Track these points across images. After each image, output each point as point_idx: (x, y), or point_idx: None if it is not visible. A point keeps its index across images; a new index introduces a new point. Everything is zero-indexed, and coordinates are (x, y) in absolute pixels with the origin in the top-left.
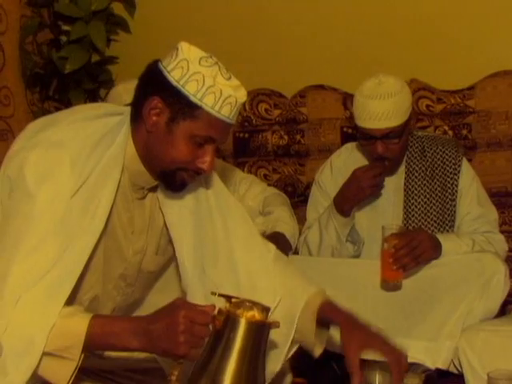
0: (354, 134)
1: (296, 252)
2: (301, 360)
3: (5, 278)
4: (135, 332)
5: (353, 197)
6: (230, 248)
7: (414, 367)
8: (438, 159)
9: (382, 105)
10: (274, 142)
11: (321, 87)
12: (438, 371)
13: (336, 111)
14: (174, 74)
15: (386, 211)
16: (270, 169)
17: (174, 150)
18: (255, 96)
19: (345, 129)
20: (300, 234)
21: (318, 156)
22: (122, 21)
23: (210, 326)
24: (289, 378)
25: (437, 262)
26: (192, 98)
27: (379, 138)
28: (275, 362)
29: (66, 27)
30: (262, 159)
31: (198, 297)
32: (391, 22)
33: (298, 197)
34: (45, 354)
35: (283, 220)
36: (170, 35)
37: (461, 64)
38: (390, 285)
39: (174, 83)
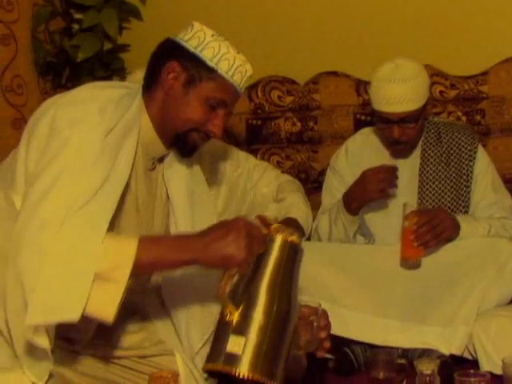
0: (366, 120)
1: (309, 238)
2: None
3: (44, 206)
4: (188, 243)
5: (360, 197)
6: None
7: (428, 353)
8: (454, 145)
9: (399, 88)
10: (286, 128)
11: (334, 74)
12: (453, 357)
13: (349, 98)
14: (191, 42)
15: (400, 196)
16: (282, 156)
17: (190, 110)
18: (268, 83)
19: (358, 115)
20: (314, 219)
21: (331, 143)
22: (133, 8)
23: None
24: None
25: (451, 246)
26: (209, 63)
27: (396, 121)
28: None
29: (78, 15)
30: (275, 146)
31: None
32: (405, 8)
33: (311, 183)
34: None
35: (296, 206)
36: (181, 22)
37: (474, 50)
38: (409, 262)
39: (192, 50)
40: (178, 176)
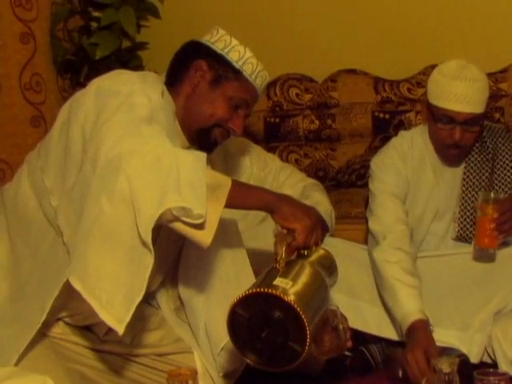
0: (385, 118)
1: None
2: None
3: (137, 134)
4: (273, 192)
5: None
6: None
7: (448, 351)
8: (498, 151)
9: (469, 88)
10: (305, 126)
11: (352, 71)
12: None
13: (367, 95)
14: (217, 44)
15: (440, 204)
16: (301, 153)
17: (214, 107)
18: (286, 81)
19: (376, 113)
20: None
21: (349, 140)
22: (152, 6)
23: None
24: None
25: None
26: (235, 64)
27: (460, 122)
28: None
29: (96, 13)
30: (293, 144)
31: None
32: (423, 6)
33: (329, 181)
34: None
35: (322, 203)
36: (199, 20)
37: (493, 47)
38: (486, 253)
39: (219, 51)
40: None
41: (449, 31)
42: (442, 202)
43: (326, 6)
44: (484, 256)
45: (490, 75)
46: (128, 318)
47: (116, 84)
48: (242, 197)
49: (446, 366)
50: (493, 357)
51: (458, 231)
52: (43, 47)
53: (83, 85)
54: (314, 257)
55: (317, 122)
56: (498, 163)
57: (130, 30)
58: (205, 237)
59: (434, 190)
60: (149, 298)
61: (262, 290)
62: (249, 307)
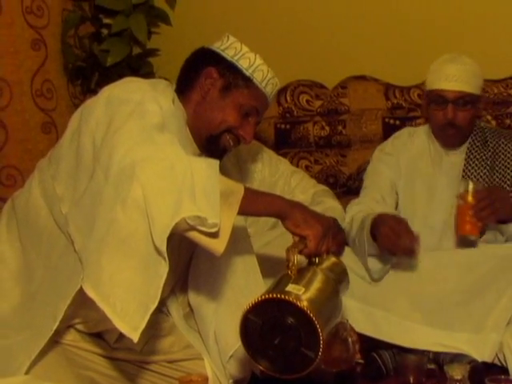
0: (395, 124)
1: None
2: None
3: (151, 142)
4: (285, 199)
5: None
6: None
7: (459, 358)
8: (500, 151)
9: (459, 68)
10: (315, 133)
11: (362, 78)
12: (484, 363)
13: (377, 102)
14: (228, 52)
15: (442, 198)
16: (311, 160)
17: (225, 114)
18: (296, 87)
19: (386, 119)
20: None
21: (360, 147)
22: (162, 13)
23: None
24: None
25: (480, 252)
26: (245, 72)
27: (451, 100)
28: None
29: (107, 20)
30: (304, 150)
31: None
32: (433, 12)
33: (339, 188)
34: None
35: (336, 208)
36: (210, 27)
37: (503, 53)
38: (466, 240)
39: (229, 58)
40: None
41: (459, 37)
42: (440, 192)
43: (336, 13)
44: (466, 243)
45: (500, 81)
46: (143, 326)
47: (127, 92)
48: (255, 203)
49: (456, 372)
50: (504, 363)
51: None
52: (54, 54)
53: (94, 91)
54: (325, 264)
55: (327, 128)
56: (499, 162)
57: (141, 37)
58: (218, 245)
59: (431, 179)
60: (159, 305)
61: (274, 295)
62: (261, 313)
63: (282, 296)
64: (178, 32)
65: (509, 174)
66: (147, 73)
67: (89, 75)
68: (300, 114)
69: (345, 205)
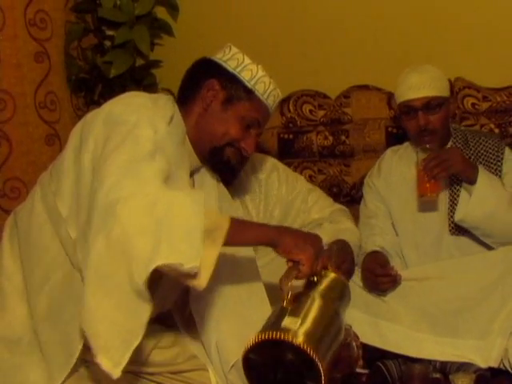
0: (398, 133)
1: None
2: None
3: (136, 174)
4: (273, 226)
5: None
6: None
7: (465, 367)
8: (482, 148)
9: (421, 76)
10: (318, 142)
11: (365, 87)
12: (491, 370)
13: (381, 111)
14: (230, 63)
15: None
16: (315, 170)
17: (227, 126)
18: (299, 97)
19: (389, 128)
20: None
21: (364, 156)
22: (165, 25)
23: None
24: None
25: (482, 257)
26: (247, 84)
27: (420, 108)
28: None
29: (110, 32)
30: (307, 160)
31: None
32: (436, 21)
33: (343, 197)
34: None
35: (351, 231)
36: (212, 38)
37: (506, 61)
38: (425, 200)
39: (231, 70)
40: (207, 191)
41: (461, 46)
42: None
43: (338, 23)
44: (427, 204)
45: (502, 89)
46: (124, 362)
47: (125, 112)
48: (242, 235)
49: (462, 381)
50: (510, 369)
51: (450, 224)
52: (58, 66)
53: (97, 103)
54: (324, 283)
55: (330, 138)
56: (482, 159)
57: (144, 48)
58: (200, 281)
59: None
60: (163, 317)
61: (270, 335)
62: (260, 352)
63: (278, 335)
64: (181, 43)
65: (492, 167)
66: (150, 84)
67: (92, 87)
68: (303, 123)
69: None
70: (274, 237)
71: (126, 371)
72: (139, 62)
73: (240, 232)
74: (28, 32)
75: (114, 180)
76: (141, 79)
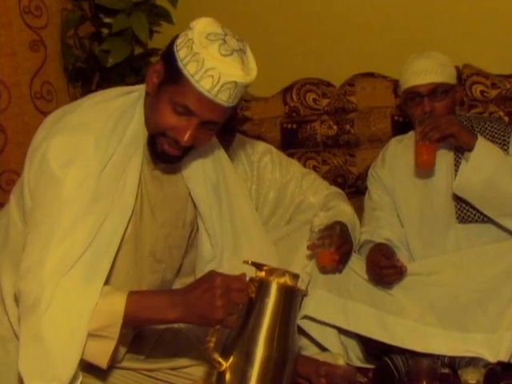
0: (404, 122)
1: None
2: None
3: (43, 265)
4: (172, 303)
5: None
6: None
7: (474, 362)
8: (487, 133)
9: (427, 61)
10: (322, 132)
11: (370, 75)
12: (501, 364)
13: (386, 99)
14: (178, 41)
15: (439, 191)
16: (319, 160)
17: (157, 114)
18: (303, 85)
19: (395, 117)
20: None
21: (369, 146)
22: (164, 12)
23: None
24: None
25: (490, 251)
26: (179, 63)
27: (425, 94)
28: None
29: (107, 20)
30: (311, 150)
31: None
32: (442, 8)
33: (348, 188)
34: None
35: (347, 214)
36: None
37: None
38: (424, 170)
39: (174, 48)
40: (196, 174)
41: (469, 32)
42: (437, 181)
43: (342, 10)
44: (424, 173)
45: (509, 77)
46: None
47: (56, 162)
48: (142, 323)
49: (471, 376)
50: None
51: (457, 212)
52: (54, 55)
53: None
54: (268, 305)
55: (335, 127)
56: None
57: (142, 36)
58: (99, 364)
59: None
60: None
61: None
62: None
63: None
64: (181, 30)
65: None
66: None
67: (89, 76)
68: (307, 113)
69: (354, 206)
70: (177, 316)
71: (124, 368)
72: (138, 50)
73: (141, 321)
74: (23, 20)
75: (24, 269)
76: (139, 68)
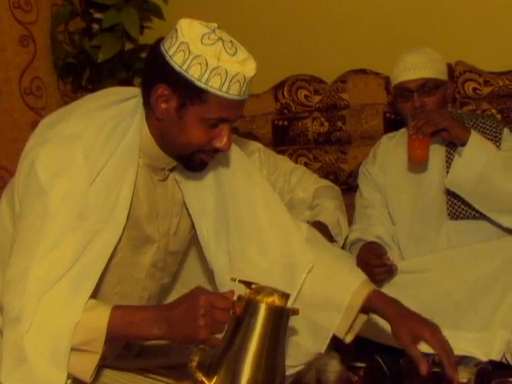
0: (396, 119)
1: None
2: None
3: (25, 278)
4: (155, 320)
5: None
6: (256, 226)
7: (465, 361)
8: (479, 130)
9: (417, 56)
10: (314, 129)
11: (362, 71)
12: (493, 363)
13: (378, 96)
14: (175, 58)
15: (431, 187)
16: (310, 157)
17: (188, 135)
18: (294, 82)
19: (387, 114)
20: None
21: (361, 143)
22: (155, 7)
23: (231, 312)
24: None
25: (481, 249)
26: (197, 83)
27: (415, 90)
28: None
29: (97, 15)
30: (303, 147)
31: (226, 273)
32: (435, 4)
33: (340, 185)
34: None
35: (328, 210)
36: (204, 21)
37: (508, 44)
38: (413, 158)
39: (178, 68)
40: (194, 175)
41: (461, 29)
42: (428, 177)
43: (334, 6)
44: (415, 166)
45: (504, 74)
46: None
47: (45, 169)
48: (127, 336)
49: (462, 375)
50: (511, 362)
51: (448, 208)
52: (43, 50)
53: (85, 88)
54: (254, 328)
55: (326, 124)
56: None
57: (133, 32)
58: (82, 378)
59: (422, 175)
60: None
61: None
62: None
63: None
64: (171, 26)
65: None
66: (140, 69)
67: (80, 72)
68: (298, 109)
69: (345, 203)
70: (163, 336)
71: (116, 368)
72: (128, 46)
73: (124, 337)
74: (12, 15)
75: (7, 281)
76: (130, 64)
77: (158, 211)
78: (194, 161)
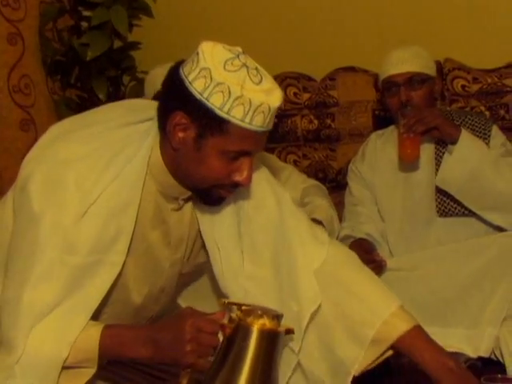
0: (386, 116)
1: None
2: None
3: (18, 305)
4: (143, 341)
5: None
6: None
7: (455, 357)
8: (468, 127)
9: (404, 51)
10: (303, 126)
11: (351, 69)
12: (482, 360)
13: (367, 93)
14: (196, 85)
15: (420, 184)
16: (299, 154)
17: (206, 168)
18: (283, 80)
19: (376, 111)
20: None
21: (350, 140)
22: (144, 5)
23: (220, 335)
24: None
25: (471, 246)
26: (218, 112)
27: (401, 84)
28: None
29: (86, 13)
30: (292, 145)
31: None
32: (424, 2)
33: (329, 183)
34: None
35: (321, 208)
36: (193, 19)
37: (497, 41)
38: (404, 158)
39: (198, 96)
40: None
41: (450, 26)
42: (423, 185)
43: (323, 4)
44: (405, 165)
45: (493, 71)
46: None
47: (38, 199)
48: (119, 356)
49: None
50: (501, 359)
51: (437, 205)
52: (32, 48)
53: (74, 86)
54: (245, 351)
55: (316, 121)
56: None
57: (122, 30)
58: None
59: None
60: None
61: None
62: None
63: None
64: (161, 24)
65: None
66: (129, 67)
67: (68, 70)
68: (287, 107)
69: (335, 201)
70: (151, 358)
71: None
72: (117, 43)
73: (114, 356)
74: (0, 13)
75: (4, 300)
76: (119, 62)
77: (169, 240)
78: (211, 195)
